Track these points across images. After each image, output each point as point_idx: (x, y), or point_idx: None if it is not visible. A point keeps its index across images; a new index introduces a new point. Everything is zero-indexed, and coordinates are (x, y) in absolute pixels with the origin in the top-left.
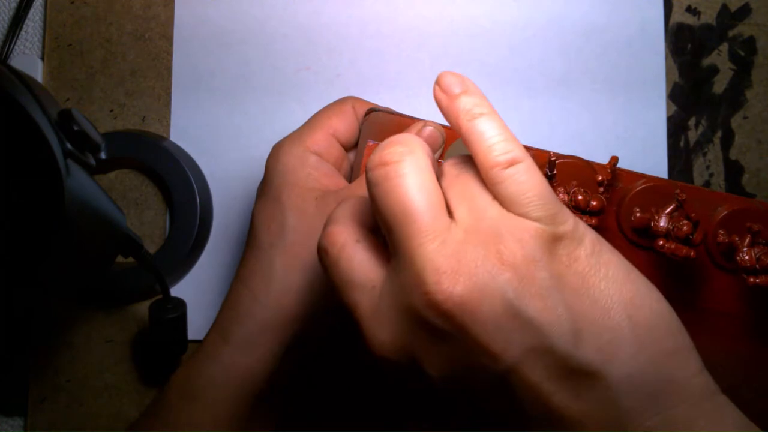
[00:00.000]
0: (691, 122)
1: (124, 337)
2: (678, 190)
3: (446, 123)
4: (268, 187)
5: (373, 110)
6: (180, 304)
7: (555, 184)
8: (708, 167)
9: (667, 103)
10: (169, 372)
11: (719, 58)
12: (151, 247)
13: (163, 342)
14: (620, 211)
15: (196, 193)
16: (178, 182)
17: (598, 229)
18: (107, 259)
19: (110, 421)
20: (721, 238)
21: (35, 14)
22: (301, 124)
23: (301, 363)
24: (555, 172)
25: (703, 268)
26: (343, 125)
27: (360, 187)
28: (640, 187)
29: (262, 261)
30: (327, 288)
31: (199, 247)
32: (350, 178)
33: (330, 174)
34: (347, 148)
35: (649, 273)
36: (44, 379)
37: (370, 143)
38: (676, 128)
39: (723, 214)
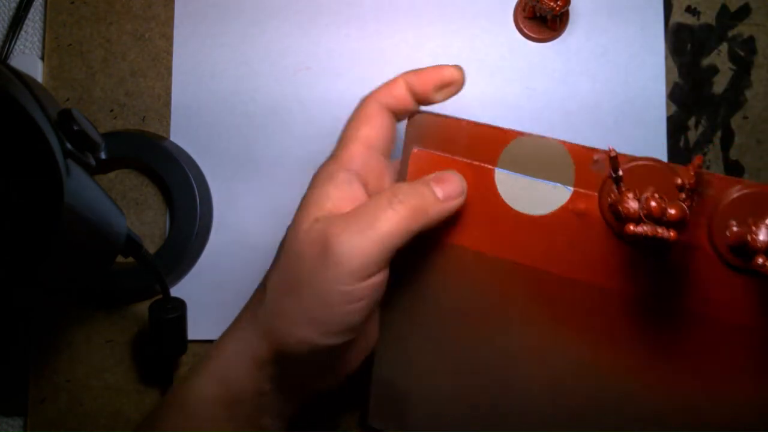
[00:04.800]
0: (691, 122)
1: (124, 337)
2: None
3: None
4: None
5: (417, 113)
6: (180, 304)
7: (623, 188)
8: (708, 167)
9: (667, 103)
10: (169, 372)
11: (719, 58)
12: (151, 247)
13: (163, 342)
14: (712, 226)
15: (196, 193)
16: (178, 182)
17: (684, 247)
18: (107, 259)
19: (110, 421)
20: None
21: (35, 14)
22: (300, 123)
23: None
24: (620, 173)
25: None
26: (375, 131)
27: (362, 210)
28: (736, 195)
29: (265, 281)
30: (319, 307)
31: (199, 247)
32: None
33: (354, 198)
34: (387, 152)
35: (748, 302)
36: (44, 379)
37: (416, 150)
38: (676, 128)
39: None
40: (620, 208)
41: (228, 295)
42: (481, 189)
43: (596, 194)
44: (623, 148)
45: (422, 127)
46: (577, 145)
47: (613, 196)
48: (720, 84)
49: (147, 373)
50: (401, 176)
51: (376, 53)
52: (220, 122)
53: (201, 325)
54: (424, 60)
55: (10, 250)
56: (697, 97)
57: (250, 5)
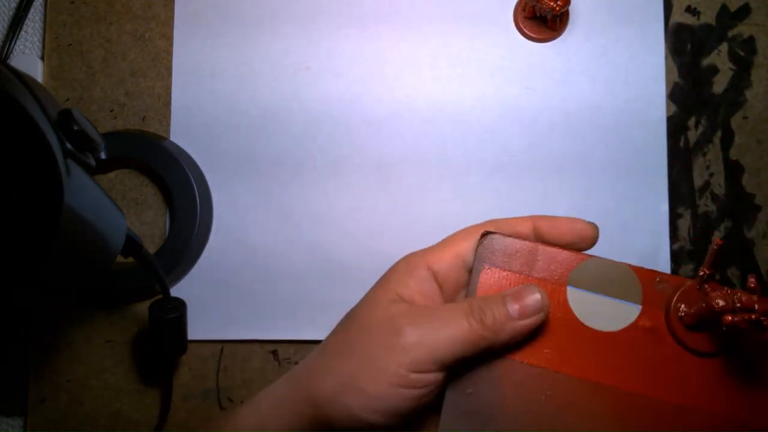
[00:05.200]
0: (691, 122)
1: (124, 337)
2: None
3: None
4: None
5: (488, 233)
6: (180, 304)
7: (708, 287)
8: (708, 167)
9: (667, 103)
10: (169, 372)
11: (719, 58)
12: (151, 247)
13: (163, 342)
14: (669, 316)
15: (196, 193)
16: (178, 182)
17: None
18: (107, 259)
19: (110, 421)
20: None
21: (35, 14)
22: (300, 123)
23: None
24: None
25: None
26: (472, 245)
27: (438, 308)
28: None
29: (324, 341)
30: (363, 390)
31: (199, 247)
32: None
33: (428, 296)
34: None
35: (717, 383)
36: (44, 379)
37: (486, 267)
38: (676, 128)
39: None
40: (712, 304)
41: (228, 295)
42: (555, 307)
43: (662, 312)
44: (623, 148)
45: (493, 248)
46: (641, 267)
47: (683, 307)
48: (720, 84)
49: (147, 373)
50: (471, 289)
51: (376, 53)
52: (220, 122)
53: (201, 325)
54: (424, 60)
55: (10, 250)
56: (697, 97)
57: (250, 5)
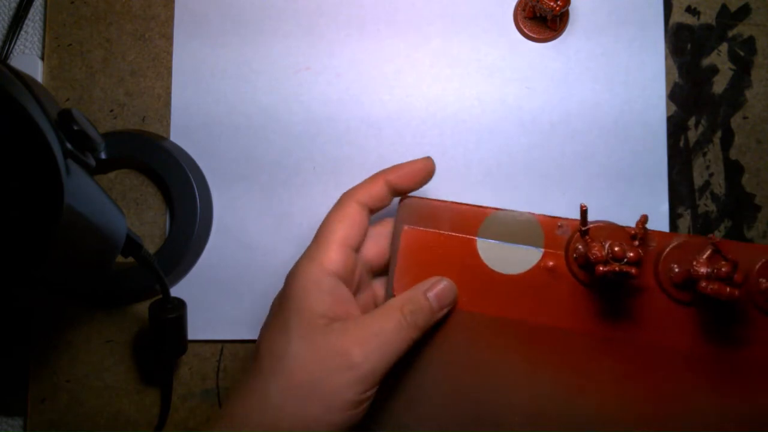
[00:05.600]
0: (691, 122)
1: (124, 337)
2: (711, 235)
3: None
4: (279, 307)
5: (408, 197)
6: (180, 304)
7: (589, 239)
8: (708, 167)
9: (667, 103)
10: (169, 372)
11: (719, 58)
12: (151, 247)
13: (163, 342)
14: (658, 270)
15: (196, 193)
16: (178, 182)
17: (636, 290)
18: (107, 259)
19: (110, 421)
20: (763, 286)
21: (35, 14)
22: (300, 123)
23: None
24: (588, 227)
25: (748, 318)
26: (353, 230)
27: (373, 321)
28: (674, 244)
29: (260, 383)
30: (323, 412)
31: (199, 247)
32: (388, 261)
33: (344, 300)
34: (358, 244)
35: (693, 330)
36: (44, 379)
37: (407, 228)
38: (676, 128)
39: (762, 262)
40: (589, 254)
41: (228, 295)
42: (467, 257)
43: (563, 252)
44: (623, 148)
45: (412, 209)
46: (544, 215)
47: (580, 247)
48: (720, 84)
49: (147, 373)
50: (392, 253)
51: (376, 53)
52: (220, 122)
53: (201, 325)
54: (424, 60)
55: (10, 250)
56: (697, 97)
57: (250, 5)
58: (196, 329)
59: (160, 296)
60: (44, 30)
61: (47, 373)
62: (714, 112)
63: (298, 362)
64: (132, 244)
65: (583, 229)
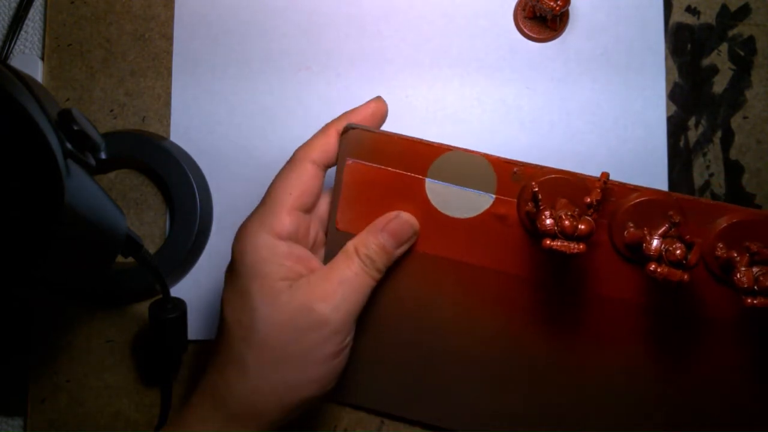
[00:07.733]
0: (691, 122)
1: (124, 337)
2: (672, 212)
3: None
4: (236, 277)
5: (350, 127)
6: (180, 304)
7: (540, 205)
8: (708, 167)
9: (667, 103)
10: (168, 372)
11: (719, 58)
12: (151, 247)
13: (163, 342)
14: (613, 226)
15: (196, 193)
16: (178, 182)
17: (590, 242)
18: (107, 259)
19: (110, 421)
20: (719, 252)
21: (35, 14)
22: (300, 123)
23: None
24: (537, 191)
25: (701, 283)
26: (305, 193)
27: (334, 271)
28: (634, 201)
29: (235, 354)
30: (303, 369)
31: (199, 247)
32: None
33: (303, 258)
34: (312, 206)
35: (644, 288)
36: (44, 379)
37: (350, 161)
38: (676, 128)
39: (722, 227)
40: (538, 225)
41: None
42: (414, 197)
43: (515, 201)
44: (623, 148)
45: (355, 141)
46: (499, 157)
47: (530, 205)
48: (720, 84)
49: (147, 373)
50: (336, 186)
51: (376, 53)
52: (220, 122)
53: (201, 325)
54: (423, 60)
55: (10, 250)
56: (697, 97)
57: (250, 5)
58: (196, 329)
59: (160, 296)
60: (44, 30)
61: (47, 373)
62: (714, 112)
63: (268, 328)
64: (132, 244)
65: (534, 194)
